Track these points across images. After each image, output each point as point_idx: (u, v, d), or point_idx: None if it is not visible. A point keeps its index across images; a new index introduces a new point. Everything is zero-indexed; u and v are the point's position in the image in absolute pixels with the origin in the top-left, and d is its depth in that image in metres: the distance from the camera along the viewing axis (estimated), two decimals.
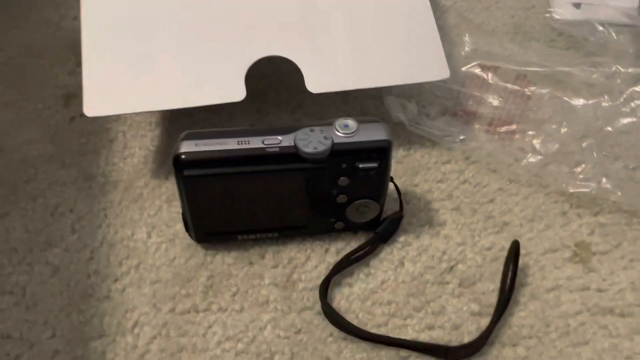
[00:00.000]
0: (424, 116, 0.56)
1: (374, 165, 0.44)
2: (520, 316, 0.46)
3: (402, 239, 0.50)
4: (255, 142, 0.43)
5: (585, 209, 0.51)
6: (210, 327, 0.45)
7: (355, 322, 0.45)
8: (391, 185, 0.49)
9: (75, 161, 0.54)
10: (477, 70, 0.57)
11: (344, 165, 0.44)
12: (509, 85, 0.57)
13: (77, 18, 0.52)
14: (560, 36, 0.63)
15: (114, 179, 0.53)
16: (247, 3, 0.53)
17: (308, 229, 0.49)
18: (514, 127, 0.55)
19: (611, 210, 0.51)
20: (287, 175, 0.44)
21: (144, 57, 0.50)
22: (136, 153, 0.54)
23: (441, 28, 0.60)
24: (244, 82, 0.50)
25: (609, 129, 0.54)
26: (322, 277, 0.47)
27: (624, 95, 0.54)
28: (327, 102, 0.58)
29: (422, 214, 0.51)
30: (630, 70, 0.56)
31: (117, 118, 0.56)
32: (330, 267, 0.47)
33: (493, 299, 0.47)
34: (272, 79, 0.59)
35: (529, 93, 0.56)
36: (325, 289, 0.46)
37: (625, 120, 0.54)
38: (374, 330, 0.45)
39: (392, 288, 0.47)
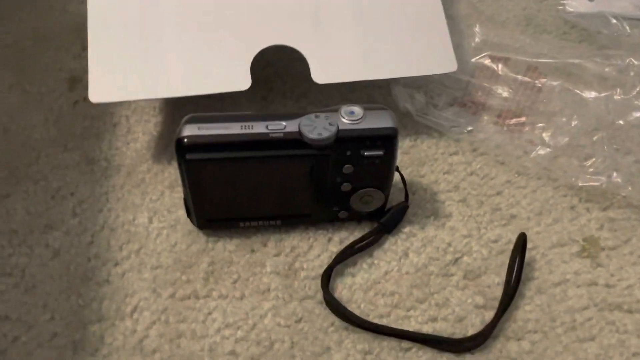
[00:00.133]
0: (432, 106, 0.55)
1: (380, 153, 0.44)
2: (526, 310, 0.45)
3: (406, 229, 0.49)
4: (259, 127, 0.42)
5: (595, 203, 0.50)
6: (210, 313, 0.45)
7: (357, 313, 0.45)
8: (397, 176, 0.48)
9: (78, 145, 0.53)
10: (487, 61, 0.56)
11: (348, 153, 0.43)
12: (519, 77, 0.56)
13: (83, 2, 0.51)
14: (573, 29, 0.62)
15: (116, 163, 0.52)
16: None
17: (311, 217, 0.48)
18: (523, 119, 0.54)
19: (621, 205, 0.50)
20: (291, 162, 0.44)
21: (149, 44, 0.50)
22: (139, 138, 0.54)
23: (451, 18, 0.60)
24: (250, 71, 0.49)
25: (621, 122, 0.52)
26: (325, 267, 0.46)
27: (637, 89, 0.53)
28: (333, 91, 0.57)
29: (428, 205, 0.50)
30: None
31: (121, 103, 0.56)
32: (333, 257, 0.47)
33: (498, 292, 0.46)
34: (278, 67, 0.58)
35: (539, 85, 0.55)
36: (327, 278, 0.46)
37: (638, 114, 0.52)
38: (376, 321, 0.44)
39: (396, 279, 0.47)
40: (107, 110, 0.55)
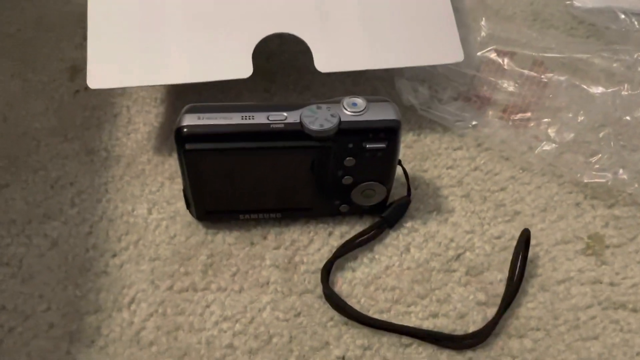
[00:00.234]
0: (436, 100, 0.54)
1: (382, 145, 0.43)
2: (529, 307, 0.44)
3: (408, 224, 0.48)
4: (260, 118, 0.42)
5: (600, 200, 0.50)
6: (208, 306, 0.44)
7: (357, 307, 0.44)
8: (399, 170, 0.47)
9: (78, 135, 0.53)
10: (493, 55, 0.56)
11: (350, 145, 0.43)
12: (525, 72, 0.55)
13: None
14: (581, 24, 0.61)
15: (116, 153, 0.52)
16: None
17: (312, 210, 0.48)
18: (529, 114, 0.53)
19: (627, 202, 0.49)
20: (292, 153, 0.43)
21: (150, 29, 0.49)
22: (140, 128, 0.53)
23: (458, 11, 0.59)
24: (251, 59, 0.48)
25: (628, 118, 0.52)
26: (325, 261, 0.46)
27: None
28: (337, 84, 0.56)
29: (431, 200, 0.50)
30: None
31: (122, 92, 0.55)
32: (334, 251, 0.46)
33: (501, 289, 0.45)
34: (281, 59, 0.58)
35: (545, 80, 0.55)
36: (327, 272, 0.45)
37: None
38: (376, 316, 0.44)
39: (397, 274, 0.46)
40: (108, 100, 0.55)
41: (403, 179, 0.49)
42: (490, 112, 0.54)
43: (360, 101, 0.43)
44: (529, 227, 0.46)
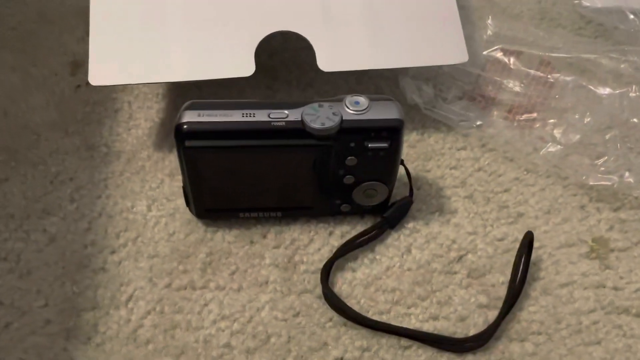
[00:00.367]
0: (441, 100, 0.53)
1: (384, 145, 0.42)
2: (530, 311, 0.44)
3: (410, 225, 0.48)
4: (261, 115, 0.41)
5: (606, 203, 0.49)
6: (206, 305, 0.44)
7: (356, 308, 0.43)
8: (402, 169, 0.47)
9: (78, 130, 0.52)
10: (499, 54, 0.55)
11: (352, 144, 0.42)
12: (531, 71, 0.54)
13: None
14: (589, 24, 0.60)
15: (116, 149, 0.51)
16: None
17: (313, 210, 0.47)
18: (534, 115, 0.53)
19: (633, 205, 0.49)
20: (293, 152, 0.43)
21: (152, 27, 0.49)
22: (141, 124, 0.53)
23: (464, 9, 0.58)
24: (254, 57, 0.48)
25: (635, 120, 0.51)
26: (325, 260, 0.45)
27: None
28: (340, 82, 0.56)
29: (433, 201, 0.49)
30: None
31: (123, 88, 0.55)
32: (334, 250, 0.46)
33: (502, 291, 0.44)
34: (284, 56, 0.57)
35: (552, 80, 0.54)
36: (327, 272, 0.45)
37: None
38: (375, 318, 0.43)
39: (397, 275, 0.45)
40: (109, 95, 0.54)
41: (405, 179, 0.48)
42: (495, 112, 0.53)
43: (362, 100, 0.42)
44: (532, 230, 0.46)
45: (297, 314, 0.44)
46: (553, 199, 0.49)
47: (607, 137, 0.51)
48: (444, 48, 0.50)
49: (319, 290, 0.44)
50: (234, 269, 0.45)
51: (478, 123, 0.53)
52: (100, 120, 0.53)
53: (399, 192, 0.48)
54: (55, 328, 0.43)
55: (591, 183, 0.49)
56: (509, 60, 0.55)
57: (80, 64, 0.56)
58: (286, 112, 0.41)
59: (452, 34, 0.51)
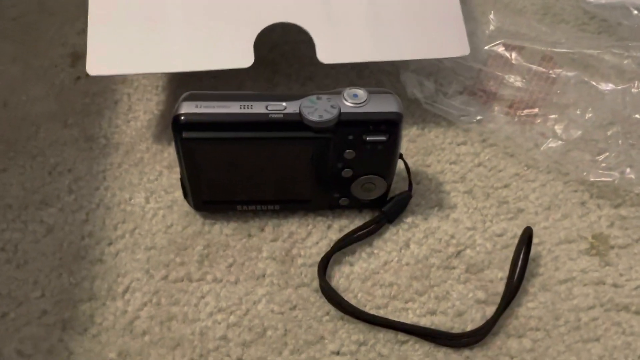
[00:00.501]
0: (441, 94, 0.53)
1: (383, 138, 0.42)
2: (529, 307, 0.43)
3: (409, 219, 0.47)
4: (258, 107, 0.41)
5: (606, 199, 0.48)
6: (203, 297, 0.44)
7: (353, 302, 0.43)
8: (401, 164, 0.46)
9: (77, 121, 0.52)
10: (501, 49, 0.54)
11: (350, 137, 0.42)
12: (533, 67, 0.54)
13: None
14: (592, 20, 0.60)
15: (115, 141, 0.51)
16: None
17: (311, 203, 0.47)
18: (535, 110, 0.52)
19: (634, 202, 0.48)
20: (291, 144, 0.42)
21: (150, 17, 0.49)
22: (140, 116, 0.53)
23: (466, 3, 0.58)
24: (253, 48, 0.48)
25: (637, 116, 0.50)
26: (323, 254, 0.45)
27: None
28: (340, 75, 0.55)
29: (432, 196, 0.49)
30: None
31: (123, 80, 0.55)
32: (332, 244, 0.45)
33: (501, 287, 0.44)
34: (284, 49, 0.57)
35: (554, 76, 0.53)
36: (324, 265, 0.44)
37: None
38: (372, 312, 0.43)
39: (395, 270, 0.45)
40: (109, 87, 0.54)
41: (405, 174, 0.48)
42: (496, 107, 0.53)
43: (361, 92, 0.42)
44: (532, 225, 0.45)
45: (293, 307, 0.44)
46: (553, 194, 0.49)
47: (609, 133, 0.50)
48: (446, 41, 0.50)
49: (316, 283, 0.44)
50: (231, 261, 0.45)
51: (479, 118, 0.52)
52: (99, 111, 0.53)
53: (398, 186, 0.48)
54: (52, 319, 0.43)
55: (592, 179, 0.49)
56: (511, 55, 0.54)
57: (80, 56, 0.56)
58: (284, 104, 0.41)
59: (454, 26, 0.50)
